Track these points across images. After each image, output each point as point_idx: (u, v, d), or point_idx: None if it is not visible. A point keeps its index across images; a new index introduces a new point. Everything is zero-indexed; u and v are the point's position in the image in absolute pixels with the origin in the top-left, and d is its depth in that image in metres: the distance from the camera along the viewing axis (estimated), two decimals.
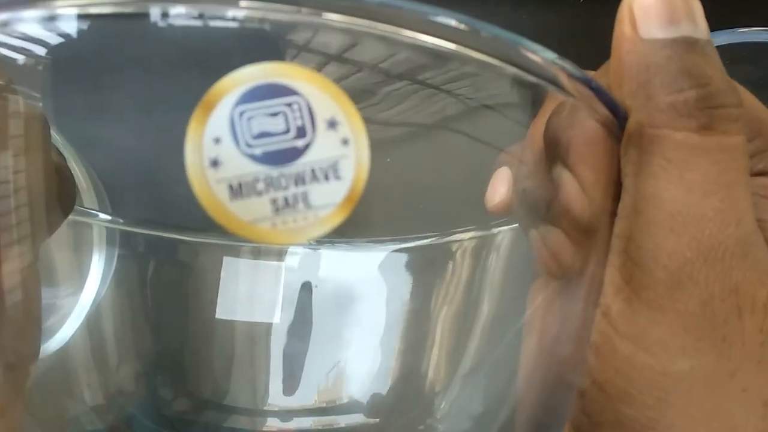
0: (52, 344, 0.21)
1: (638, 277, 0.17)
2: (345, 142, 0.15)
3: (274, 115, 0.15)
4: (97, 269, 0.23)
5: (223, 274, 0.21)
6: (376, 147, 0.15)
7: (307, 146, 0.15)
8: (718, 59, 0.18)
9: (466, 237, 0.23)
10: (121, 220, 0.22)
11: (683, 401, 0.17)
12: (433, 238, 0.23)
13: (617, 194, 0.19)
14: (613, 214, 0.19)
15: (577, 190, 0.19)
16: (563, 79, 0.17)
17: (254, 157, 0.15)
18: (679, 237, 0.17)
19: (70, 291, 0.23)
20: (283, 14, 0.15)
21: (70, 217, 0.21)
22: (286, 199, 0.15)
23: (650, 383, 0.17)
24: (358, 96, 0.15)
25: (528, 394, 0.22)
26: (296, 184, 0.15)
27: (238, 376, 0.23)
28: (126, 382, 0.22)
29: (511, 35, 0.16)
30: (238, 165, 0.15)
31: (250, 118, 0.15)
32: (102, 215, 0.23)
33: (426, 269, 0.24)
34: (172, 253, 0.22)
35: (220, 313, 0.22)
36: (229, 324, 0.22)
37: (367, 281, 0.23)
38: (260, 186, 0.15)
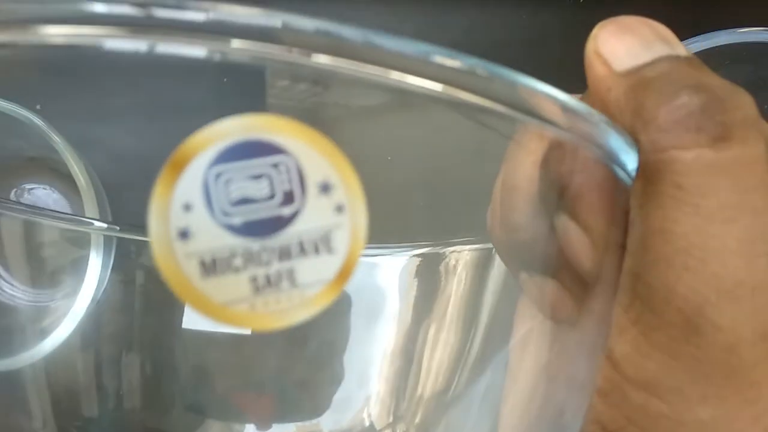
0: (45, 346, 0.20)
1: (647, 319, 0.16)
2: (339, 209, 0.13)
3: (257, 177, 0.12)
4: (95, 272, 0.21)
5: None
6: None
7: (294, 215, 0.12)
8: (710, 70, 0.16)
9: (465, 248, 0.21)
10: (118, 228, 0.20)
11: None
12: (430, 248, 0.21)
13: (619, 231, 0.17)
14: (620, 249, 0.17)
15: (587, 245, 0.17)
16: (561, 117, 0.15)
17: (232, 228, 0.12)
18: (696, 275, 0.15)
19: (65, 293, 0.21)
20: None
21: (67, 226, 0.19)
22: (268, 277, 0.12)
23: None
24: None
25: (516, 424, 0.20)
26: (280, 259, 0.12)
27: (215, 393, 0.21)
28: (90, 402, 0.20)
29: (507, 73, 0.14)
30: (212, 237, 0.12)
31: (227, 181, 0.12)
32: (98, 223, 0.20)
33: (420, 281, 0.22)
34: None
35: (187, 323, 0.19)
36: (206, 338, 0.20)
37: (360, 292, 0.21)
38: (238, 262, 0.12)
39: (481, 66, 0.13)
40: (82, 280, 0.22)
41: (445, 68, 0.13)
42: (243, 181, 0.12)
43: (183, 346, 0.20)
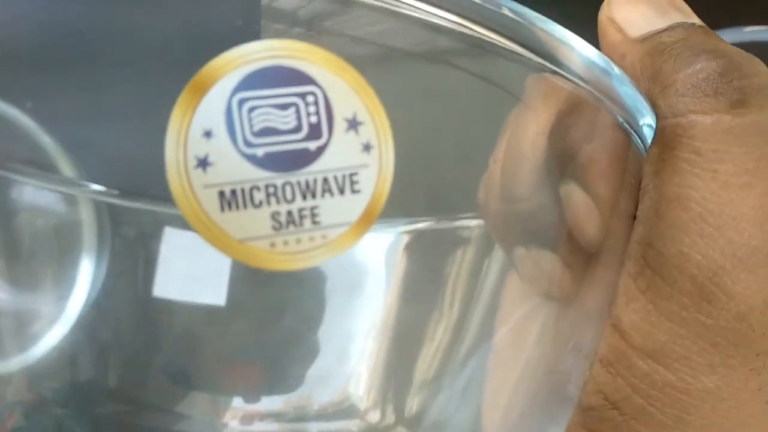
0: (36, 351, 0.18)
1: (658, 287, 0.15)
2: (367, 147, 0.12)
3: (284, 107, 0.11)
4: (88, 272, 0.19)
5: (163, 247, 0.18)
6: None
7: (321, 150, 0.12)
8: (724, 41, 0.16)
9: (463, 224, 0.20)
10: (117, 192, 0.18)
11: (705, 420, 0.16)
12: (421, 223, 0.20)
13: (632, 202, 0.17)
14: (628, 218, 0.17)
15: (593, 214, 0.17)
16: (583, 71, 0.14)
17: (254, 159, 0.11)
18: (710, 242, 0.15)
19: (57, 296, 0.20)
20: None
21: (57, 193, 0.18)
22: (290, 214, 0.12)
23: (671, 402, 0.16)
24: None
25: (505, 405, 0.20)
26: (304, 196, 0.12)
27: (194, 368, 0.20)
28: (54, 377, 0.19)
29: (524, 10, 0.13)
30: (233, 167, 0.11)
31: (252, 109, 0.11)
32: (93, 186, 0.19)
33: (426, 257, 0.21)
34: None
35: (158, 291, 0.18)
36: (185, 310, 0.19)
37: (348, 266, 0.20)
38: (259, 196, 0.11)
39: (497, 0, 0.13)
40: (74, 282, 0.20)
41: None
42: (268, 109, 0.11)
43: (164, 316, 0.19)
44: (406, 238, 0.20)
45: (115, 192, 0.18)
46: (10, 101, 0.19)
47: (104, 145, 0.18)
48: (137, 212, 0.19)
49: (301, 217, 0.12)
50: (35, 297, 0.19)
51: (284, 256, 0.12)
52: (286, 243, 0.12)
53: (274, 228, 0.11)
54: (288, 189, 0.12)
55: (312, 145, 0.12)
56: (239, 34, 0.13)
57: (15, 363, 0.19)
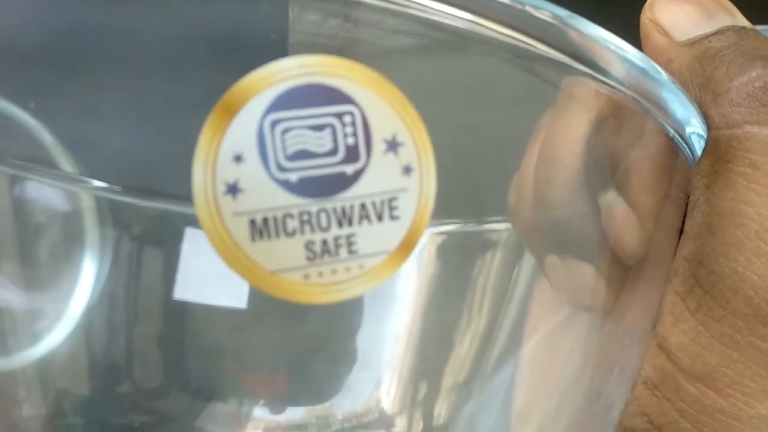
0: (38, 350, 0.18)
1: (709, 308, 0.15)
2: (407, 170, 0.11)
3: (319, 128, 0.11)
4: (90, 271, 0.19)
5: (184, 247, 0.17)
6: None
7: (358, 174, 0.11)
8: None
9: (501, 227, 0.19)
10: (119, 188, 0.18)
11: None
12: (463, 224, 0.20)
13: (678, 215, 0.16)
14: (674, 231, 0.16)
15: (634, 225, 0.16)
16: (624, 76, 0.14)
17: (288, 185, 0.11)
18: None
19: (60, 295, 0.19)
20: None
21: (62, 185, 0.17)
22: (325, 243, 0.11)
23: (721, 428, 0.15)
24: None
25: (538, 419, 0.19)
26: (340, 223, 0.11)
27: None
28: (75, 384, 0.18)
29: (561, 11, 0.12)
30: (265, 194, 0.11)
31: (285, 131, 0.11)
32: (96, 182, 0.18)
33: (454, 260, 0.20)
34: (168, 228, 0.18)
35: (179, 293, 0.18)
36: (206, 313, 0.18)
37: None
38: (293, 224, 0.11)
39: (531, 2, 0.12)
40: (77, 280, 0.20)
41: (490, 2, 0.11)
42: (302, 131, 0.11)
43: (185, 323, 0.19)
44: (433, 241, 0.19)
45: (118, 188, 0.18)
46: (12, 100, 0.18)
47: (106, 144, 0.17)
48: (145, 210, 0.18)
49: (337, 246, 0.11)
50: (39, 297, 0.19)
51: (319, 288, 0.11)
52: (320, 274, 0.11)
53: (308, 258, 0.11)
54: (323, 216, 0.11)
55: (349, 169, 0.11)
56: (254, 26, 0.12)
57: (19, 362, 0.19)
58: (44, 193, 0.19)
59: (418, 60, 0.14)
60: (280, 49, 0.11)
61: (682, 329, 0.15)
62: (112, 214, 0.19)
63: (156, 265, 0.18)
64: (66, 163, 0.19)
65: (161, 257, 0.18)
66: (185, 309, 0.18)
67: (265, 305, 0.17)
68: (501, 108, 0.17)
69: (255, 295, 0.16)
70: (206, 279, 0.17)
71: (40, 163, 0.19)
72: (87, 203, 0.19)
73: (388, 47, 0.14)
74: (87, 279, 0.19)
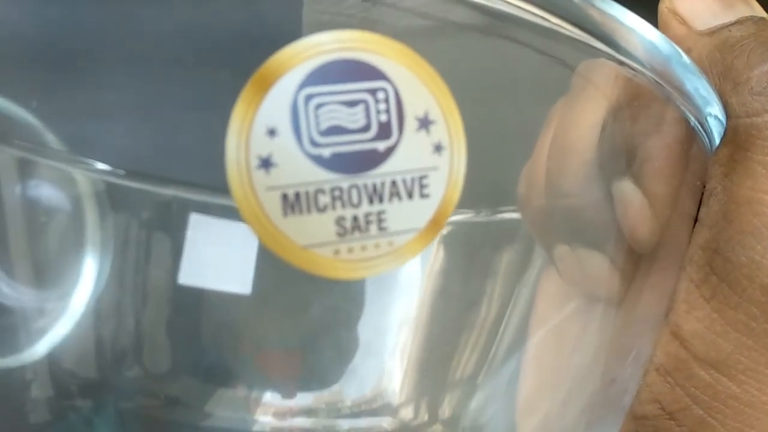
0: (39, 348, 0.18)
1: (725, 296, 0.15)
2: (438, 148, 0.11)
3: (352, 104, 0.11)
4: (95, 259, 0.19)
5: (189, 233, 0.17)
6: None
7: (390, 150, 0.11)
8: None
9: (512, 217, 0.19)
10: (123, 171, 0.17)
11: None
12: (473, 214, 0.19)
13: (693, 202, 0.16)
14: (688, 219, 0.16)
15: (647, 214, 0.16)
16: (644, 56, 0.14)
17: (320, 160, 0.11)
18: None
19: (65, 285, 0.19)
20: None
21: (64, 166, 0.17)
22: (355, 219, 0.11)
23: (734, 414, 0.15)
24: None
25: (545, 410, 0.19)
26: (371, 200, 0.11)
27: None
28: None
29: None
30: (298, 168, 0.10)
31: (319, 106, 0.10)
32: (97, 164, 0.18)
33: (463, 250, 0.20)
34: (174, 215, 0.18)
35: (184, 278, 0.18)
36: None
37: None
38: (324, 199, 0.11)
39: None
40: (78, 277, 0.20)
41: None
42: (336, 106, 0.11)
43: (194, 307, 0.18)
44: (445, 230, 0.19)
45: (121, 172, 0.17)
46: (13, 99, 0.18)
47: (109, 136, 0.17)
48: (147, 196, 0.18)
49: (368, 223, 0.11)
50: (43, 288, 0.19)
51: (348, 264, 0.11)
52: (350, 250, 0.11)
53: (339, 234, 0.11)
54: (354, 192, 0.11)
55: (381, 146, 0.11)
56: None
57: (29, 357, 0.18)
58: (46, 184, 0.19)
59: (436, 42, 0.14)
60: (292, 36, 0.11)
61: (696, 316, 0.15)
62: (115, 201, 0.19)
63: (161, 250, 0.18)
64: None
65: (166, 243, 0.18)
66: (194, 293, 0.18)
67: (275, 292, 0.17)
68: (517, 94, 0.16)
69: (261, 279, 0.16)
70: (211, 264, 0.17)
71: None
72: (88, 190, 0.19)
73: (407, 28, 0.14)
74: (91, 267, 0.19)
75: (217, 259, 0.17)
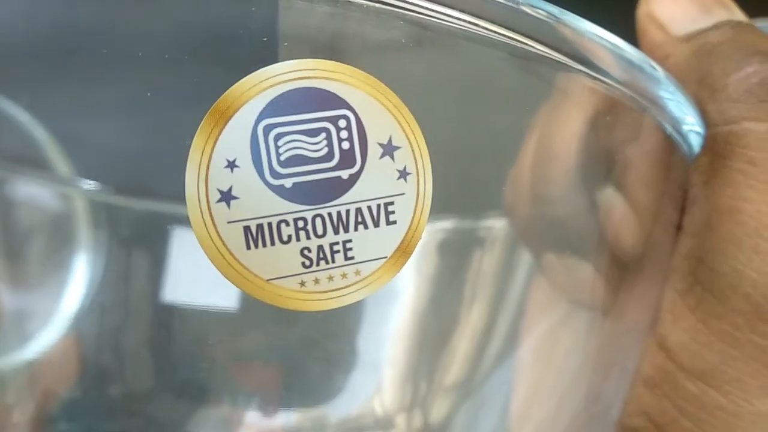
0: (28, 352, 0.17)
1: (709, 306, 0.15)
2: (404, 174, 0.11)
3: (313, 133, 0.10)
4: (83, 269, 0.19)
5: (174, 248, 0.17)
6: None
7: (354, 178, 0.11)
8: None
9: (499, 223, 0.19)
10: (111, 188, 0.17)
11: None
12: (459, 220, 0.19)
13: (676, 211, 0.16)
14: (672, 228, 0.16)
15: (632, 222, 0.16)
16: (620, 74, 0.13)
17: (282, 191, 0.10)
18: (767, 258, 0.14)
19: (51, 294, 0.19)
20: None
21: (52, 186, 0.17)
22: (321, 249, 0.11)
23: (721, 425, 0.15)
24: None
25: (539, 418, 0.19)
26: (336, 230, 0.11)
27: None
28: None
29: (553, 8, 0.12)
30: (260, 201, 0.10)
31: (279, 137, 0.10)
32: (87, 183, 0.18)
33: (450, 256, 0.20)
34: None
35: (168, 294, 0.17)
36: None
37: None
38: (288, 231, 0.10)
39: (525, 0, 0.12)
40: (68, 279, 0.19)
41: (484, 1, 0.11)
42: (296, 136, 0.10)
43: (171, 321, 0.18)
44: (429, 238, 0.19)
45: (110, 189, 0.17)
46: (4, 95, 0.18)
47: (98, 142, 0.17)
48: (135, 211, 0.18)
49: (333, 253, 0.11)
50: (29, 298, 0.19)
51: (314, 295, 0.11)
52: (316, 281, 0.11)
53: (304, 265, 0.11)
54: (319, 222, 0.11)
55: (344, 174, 0.11)
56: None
57: (9, 364, 0.18)
58: (35, 194, 0.19)
59: (411, 55, 0.14)
60: (272, 48, 0.11)
61: (681, 327, 0.15)
62: (104, 215, 0.18)
63: (147, 266, 0.18)
64: (58, 161, 0.19)
65: (152, 258, 0.18)
66: (176, 311, 0.17)
67: (258, 306, 0.17)
68: (496, 103, 0.16)
69: (246, 296, 0.16)
70: (196, 280, 0.17)
71: (32, 160, 0.18)
72: (79, 204, 0.19)
73: (380, 42, 0.14)
74: (78, 280, 0.19)
75: (202, 275, 0.17)
